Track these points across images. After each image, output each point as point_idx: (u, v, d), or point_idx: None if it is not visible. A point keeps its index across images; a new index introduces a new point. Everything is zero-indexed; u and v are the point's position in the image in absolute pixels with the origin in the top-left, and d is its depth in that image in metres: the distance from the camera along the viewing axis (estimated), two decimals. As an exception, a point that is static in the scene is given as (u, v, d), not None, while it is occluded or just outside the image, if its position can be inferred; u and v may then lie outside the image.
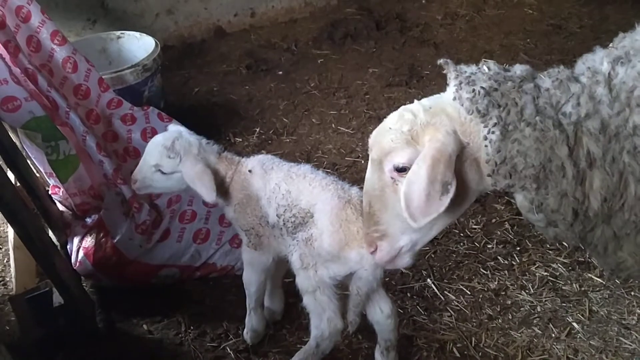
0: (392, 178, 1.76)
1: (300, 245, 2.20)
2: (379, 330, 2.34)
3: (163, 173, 2.29)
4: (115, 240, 2.69)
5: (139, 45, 3.97)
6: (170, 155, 2.27)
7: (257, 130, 4.07)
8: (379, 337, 2.37)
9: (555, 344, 2.57)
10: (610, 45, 1.72)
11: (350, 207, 2.14)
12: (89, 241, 2.74)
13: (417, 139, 1.68)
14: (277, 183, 2.27)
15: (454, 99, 1.67)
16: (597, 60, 1.66)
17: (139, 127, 3.01)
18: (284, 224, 2.22)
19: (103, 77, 3.09)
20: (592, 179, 1.57)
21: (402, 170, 1.71)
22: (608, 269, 1.83)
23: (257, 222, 2.32)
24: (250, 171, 2.34)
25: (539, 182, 1.60)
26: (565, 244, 2.99)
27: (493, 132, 1.59)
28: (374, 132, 1.83)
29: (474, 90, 1.62)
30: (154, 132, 3.02)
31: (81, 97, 2.91)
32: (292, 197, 2.22)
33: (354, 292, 2.19)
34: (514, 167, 1.61)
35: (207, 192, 2.24)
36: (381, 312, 2.30)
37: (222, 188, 2.33)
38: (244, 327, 2.59)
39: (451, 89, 1.70)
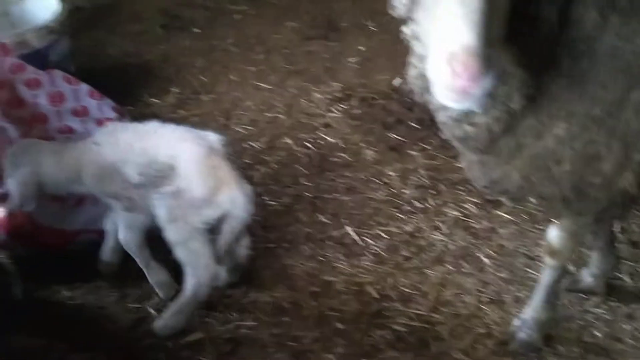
0: None
1: (166, 199, 2.26)
2: (234, 257, 2.56)
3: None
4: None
5: (43, 7, 3.78)
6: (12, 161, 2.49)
7: (174, 90, 4.00)
8: (231, 262, 2.54)
9: (466, 278, 2.71)
10: None
11: (213, 155, 2.27)
12: (0, 210, 2.67)
13: None
14: (128, 143, 2.34)
15: None
16: None
17: (44, 91, 2.93)
18: (147, 180, 2.29)
19: (4, 41, 2.97)
20: None
21: None
22: (485, 181, 1.84)
23: (121, 185, 2.37)
24: (95, 143, 2.44)
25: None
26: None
27: None
28: None
29: None
30: (62, 96, 2.95)
31: (-20, 62, 2.79)
32: (149, 154, 2.29)
33: (227, 231, 2.33)
34: None
35: (27, 201, 2.46)
36: (240, 244, 2.55)
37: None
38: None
39: None
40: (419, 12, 1.44)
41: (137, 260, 2.56)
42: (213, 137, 2.37)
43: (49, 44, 3.51)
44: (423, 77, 1.61)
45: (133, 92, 3.94)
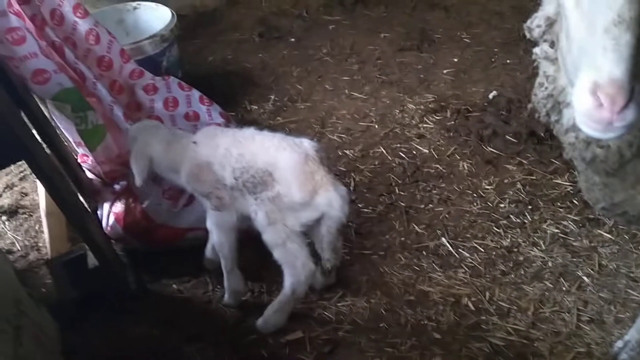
0: None
1: (265, 203, 2.38)
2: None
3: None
4: (143, 205, 2.82)
5: (155, 16, 4.03)
6: (132, 137, 2.65)
7: (272, 97, 4.15)
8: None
9: (566, 296, 2.69)
10: None
11: (310, 160, 2.38)
12: (118, 206, 2.87)
13: None
14: (227, 148, 2.46)
15: None
16: None
17: (161, 96, 3.11)
18: (244, 184, 2.41)
19: (124, 47, 3.19)
20: None
21: None
22: (605, 203, 1.81)
23: (214, 185, 2.49)
24: (194, 142, 2.55)
25: None
26: (575, 201, 3.10)
27: None
28: None
29: None
30: (175, 102, 3.13)
31: (105, 68, 3.00)
32: (246, 160, 2.41)
33: (325, 232, 2.43)
34: None
35: (137, 174, 2.54)
36: None
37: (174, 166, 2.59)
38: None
39: None
40: (562, 39, 1.47)
41: (223, 262, 2.66)
42: (307, 144, 2.46)
43: (162, 51, 3.73)
44: (551, 97, 1.64)
45: (234, 98, 4.12)
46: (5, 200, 3.45)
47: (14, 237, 3.21)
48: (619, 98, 1.19)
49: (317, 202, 2.37)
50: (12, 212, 3.36)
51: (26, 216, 3.36)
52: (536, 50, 1.65)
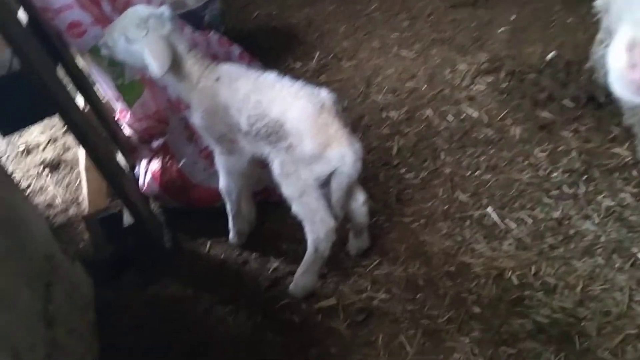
0: None
1: (280, 153, 2.29)
2: (354, 216, 2.58)
3: (126, 40, 2.28)
4: (180, 164, 2.77)
5: (198, -31, 3.93)
6: (140, 25, 2.25)
7: (317, 55, 4.02)
8: (353, 223, 2.61)
9: (618, 274, 2.51)
10: None
11: (324, 112, 2.24)
12: (155, 164, 2.84)
13: None
14: (246, 93, 2.31)
15: None
16: None
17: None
18: (257, 132, 2.30)
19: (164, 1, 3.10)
20: None
21: None
22: None
23: (229, 129, 2.39)
24: (217, 79, 2.37)
25: None
26: (634, 172, 2.89)
27: None
28: None
29: None
30: (215, 58, 3.03)
31: (143, 22, 2.92)
32: (263, 107, 2.27)
33: (336, 187, 2.34)
34: None
35: (157, 65, 2.23)
36: (356, 201, 2.53)
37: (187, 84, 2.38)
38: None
39: None
40: None
41: (228, 205, 2.66)
42: (325, 94, 2.30)
43: (203, 4, 3.63)
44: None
45: (278, 55, 4.01)
46: (48, 154, 3.48)
47: (55, 191, 3.23)
48: None
49: (330, 156, 2.26)
50: (54, 166, 3.39)
51: (67, 170, 3.38)
52: (597, 2, 1.47)
